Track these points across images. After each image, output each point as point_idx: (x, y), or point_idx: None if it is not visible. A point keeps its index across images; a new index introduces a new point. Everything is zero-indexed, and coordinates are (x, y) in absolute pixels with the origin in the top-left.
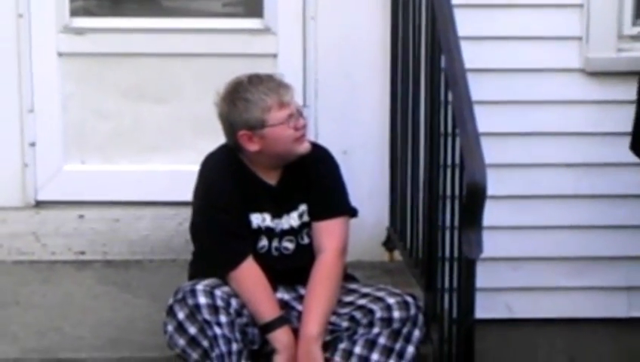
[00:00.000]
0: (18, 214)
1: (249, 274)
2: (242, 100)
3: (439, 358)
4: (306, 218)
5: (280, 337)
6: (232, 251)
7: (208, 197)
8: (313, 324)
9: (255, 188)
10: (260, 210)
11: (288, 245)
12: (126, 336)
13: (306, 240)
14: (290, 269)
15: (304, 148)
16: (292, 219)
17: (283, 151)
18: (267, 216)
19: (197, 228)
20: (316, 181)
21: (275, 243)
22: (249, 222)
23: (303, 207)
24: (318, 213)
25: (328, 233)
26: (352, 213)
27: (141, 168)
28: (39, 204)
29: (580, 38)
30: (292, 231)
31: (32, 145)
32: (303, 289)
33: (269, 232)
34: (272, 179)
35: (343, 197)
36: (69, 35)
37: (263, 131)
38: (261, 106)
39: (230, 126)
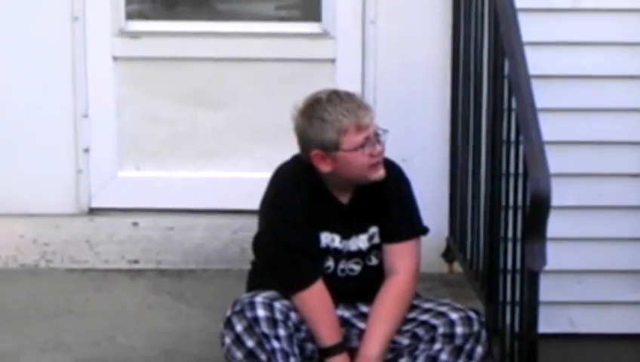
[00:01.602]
0: (72, 221)
1: (317, 297)
2: (318, 119)
3: None
4: (376, 240)
5: None
6: (302, 271)
7: (281, 211)
8: (374, 344)
9: (327, 205)
10: (330, 229)
11: (354, 267)
12: (181, 348)
13: (373, 262)
14: (354, 290)
15: (379, 175)
16: (361, 242)
17: (355, 176)
18: (336, 237)
19: (265, 243)
20: (390, 202)
21: (341, 265)
22: (319, 241)
23: (373, 230)
24: (392, 235)
25: (402, 255)
26: (424, 232)
27: (196, 175)
28: (93, 211)
29: None
30: (359, 253)
31: (86, 151)
32: (364, 306)
33: (337, 253)
34: (344, 197)
35: (416, 218)
36: (124, 38)
37: (336, 153)
38: (337, 127)
39: (305, 143)
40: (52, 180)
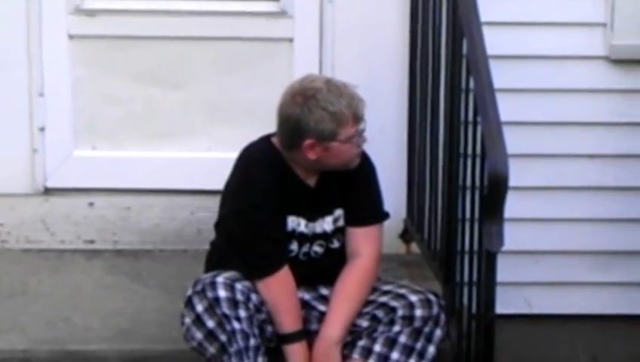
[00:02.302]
0: (27, 201)
1: (281, 283)
2: (320, 109)
3: (457, 355)
4: (340, 223)
5: (297, 351)
6: (269, 257)
7: (250, 194)
8: (336, 326)
9: (295, 188)
10: (297, 213)
11: (318, 249)
12: (137, 328)
13: (335, 245)
14: (315, 272)
15: (357, 162)
16: (326, 224)
17: (339, 165)
18: (302, 221)
19: (231, 226)
20: (355, 185)
21: (304, 249)
22: (286, 225)
23: (338, 212)
24: (357, 219)
25: (365, 239)
26: (386, 217)
27: (153, 155)
28: (48, 191)
29: (604, 25)
30: (324, 236)
31: (42, 130)
32: (324, 289)
33: (302, 237)
34: (311, 180)
35: (379, 203)
36: (80, 16)
37: (330, 144)
38: (338, 119)
39: (299, 131)
40: (7, 159)
